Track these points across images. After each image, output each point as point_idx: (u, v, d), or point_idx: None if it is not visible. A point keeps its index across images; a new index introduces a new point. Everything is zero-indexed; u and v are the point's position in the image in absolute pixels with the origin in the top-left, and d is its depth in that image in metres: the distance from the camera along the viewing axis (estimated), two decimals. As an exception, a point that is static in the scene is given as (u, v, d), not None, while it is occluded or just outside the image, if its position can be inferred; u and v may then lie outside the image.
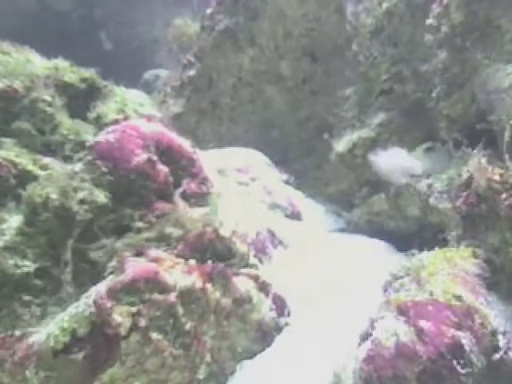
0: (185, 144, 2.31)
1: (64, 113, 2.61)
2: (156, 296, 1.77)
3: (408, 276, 2.00)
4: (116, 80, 2.92)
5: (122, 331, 1.70)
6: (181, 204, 2.16)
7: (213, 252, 2.08)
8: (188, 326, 1.80)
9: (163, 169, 2.16)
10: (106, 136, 2.14)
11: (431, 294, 1.78)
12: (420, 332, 1.64)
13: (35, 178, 2.20)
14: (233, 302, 1.96)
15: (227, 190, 2.73)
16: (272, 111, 4.06)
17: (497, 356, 1.72)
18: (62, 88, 2.64)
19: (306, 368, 1.91)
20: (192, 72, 4.27)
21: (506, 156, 2.04)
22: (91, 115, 2.68)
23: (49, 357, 1.68)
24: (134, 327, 1.71)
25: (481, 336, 1.69)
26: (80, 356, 1.68)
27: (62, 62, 2.73)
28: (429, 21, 2.64)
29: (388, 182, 2.99)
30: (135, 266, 1.81)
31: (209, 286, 1.89)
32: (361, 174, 3.17)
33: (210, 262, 1.99)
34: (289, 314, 2.16)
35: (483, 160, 2.12)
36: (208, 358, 1.85)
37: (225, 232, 2.15)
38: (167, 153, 2.22)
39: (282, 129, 4.06)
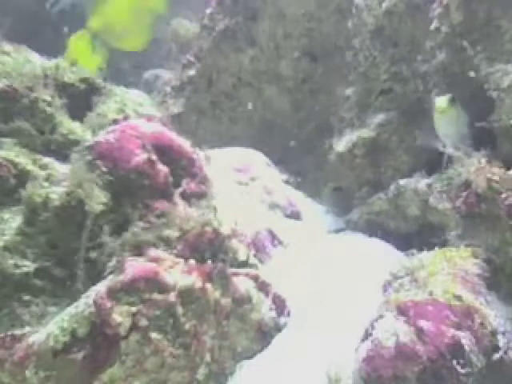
0: (185, 144, 2.31)
1: (64, 113, 2.61)
2: (156, 296, 1.77)
3: (408, 276, 1.99)
4: (116, 80, 2.92)
5: (122, 331, 1.70)
6: (181, 204, 2.16)
7: (212, 252, 2.08)
8: (188, 326, 1.80)
9: (163, 169, 2.16)
10: (106, 136, 2.14)
11: (431, 293, 1.78)
12: (420, 332, 1.64)
13: (35, 177, 2.20)
14: (233, 301, 1.96)
15: (227, 190, 2.73)
16: (272, 111, 4.06)
17: (497, 356, 1.72)
18: (62, 88, 2.65)
19: (306, 368, 1.91)
20: (192, 72, 4.27)
21: None
22: (91, 115, 2.68)
23: (48, 357, 1.68)
24: (133, 327, 1.71)
25: (481, 336, 1.69)
26: (80, 356, 1.68)
27: (61, 62, 2.73)
28: (432, 26, 2.64)
29: (389, 181, 3.00)
30: (135, 266, 1.81)
31: (209, 285, 1.89)
32: (361, 173, 3.17)
33: (209, 261, 1.99)
34: (289, 314, 2.16)
35: (483, 160, 2.12)
36: (208, 357, 1.85)
37: (224, 232, 2.15)
38: (167, 153, 2.21)
39: (281, 129, 4.06)
